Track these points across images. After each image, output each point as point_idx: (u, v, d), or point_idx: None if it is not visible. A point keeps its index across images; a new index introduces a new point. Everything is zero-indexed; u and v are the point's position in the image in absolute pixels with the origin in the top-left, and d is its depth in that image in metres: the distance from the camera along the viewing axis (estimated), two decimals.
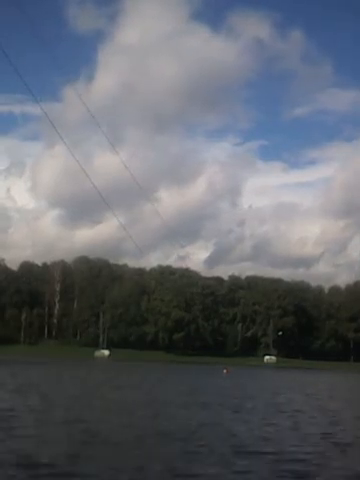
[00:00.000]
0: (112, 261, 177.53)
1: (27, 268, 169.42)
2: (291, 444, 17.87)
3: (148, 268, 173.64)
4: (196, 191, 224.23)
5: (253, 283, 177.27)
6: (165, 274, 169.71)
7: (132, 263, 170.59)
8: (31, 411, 23.92)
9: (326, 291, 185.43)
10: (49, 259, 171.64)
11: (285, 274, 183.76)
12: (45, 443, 16.75)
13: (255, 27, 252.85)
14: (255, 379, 69.12)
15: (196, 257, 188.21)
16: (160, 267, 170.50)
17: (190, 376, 67.05)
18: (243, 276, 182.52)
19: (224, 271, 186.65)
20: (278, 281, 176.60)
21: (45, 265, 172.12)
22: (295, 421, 24.19)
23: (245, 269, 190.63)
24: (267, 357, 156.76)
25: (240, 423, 22.78)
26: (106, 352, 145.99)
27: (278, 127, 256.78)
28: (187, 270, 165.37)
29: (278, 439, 18.86)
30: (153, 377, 61.21)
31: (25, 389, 35.31)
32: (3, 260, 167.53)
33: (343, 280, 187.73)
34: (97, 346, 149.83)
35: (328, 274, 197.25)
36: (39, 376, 53.30)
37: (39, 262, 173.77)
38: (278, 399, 37.11)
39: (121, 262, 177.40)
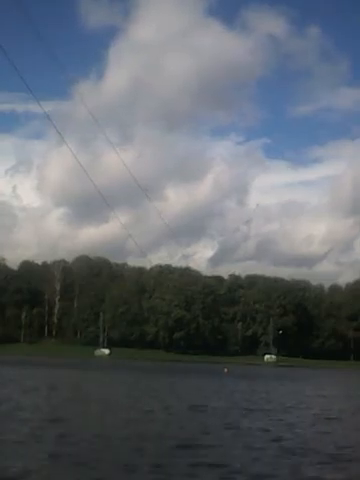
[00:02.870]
0: (116, 260, 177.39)
1: (27, 267, 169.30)
2: None
3: (148, 267, 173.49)
4: (202, 189, 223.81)
5: (253, 282, 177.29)
6: (165, 273, 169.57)
7: (138, 262, 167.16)
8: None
9: (326, 290, 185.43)
10: (53, 258, 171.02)
11: (289, 273, 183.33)
12: None
13: (270, 24, 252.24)
14: (277, 381, 62.26)
15: (202, 255, 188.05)
16: (160, 266, 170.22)
17: (218, 378, 61.79)
18: (247, 275, 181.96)
19: (229, 270, 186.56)
20: (278, 280, 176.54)
21: (45, 264, 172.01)
22: None
23: (250, 268, 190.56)
24: (267, 356, 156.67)
25: None
26: (106, 351, 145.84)
27: (282, 125, 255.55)
28: (187, 269, 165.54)
29: None
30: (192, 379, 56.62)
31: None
32: (3, 259, 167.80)
33: (348, 278, 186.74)
34: (97, 345, 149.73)
35: (332, 273, 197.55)
36: (66, 378, 48.68)
37: (44, 261, 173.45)
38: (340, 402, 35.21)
39: (127, 261, 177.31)
